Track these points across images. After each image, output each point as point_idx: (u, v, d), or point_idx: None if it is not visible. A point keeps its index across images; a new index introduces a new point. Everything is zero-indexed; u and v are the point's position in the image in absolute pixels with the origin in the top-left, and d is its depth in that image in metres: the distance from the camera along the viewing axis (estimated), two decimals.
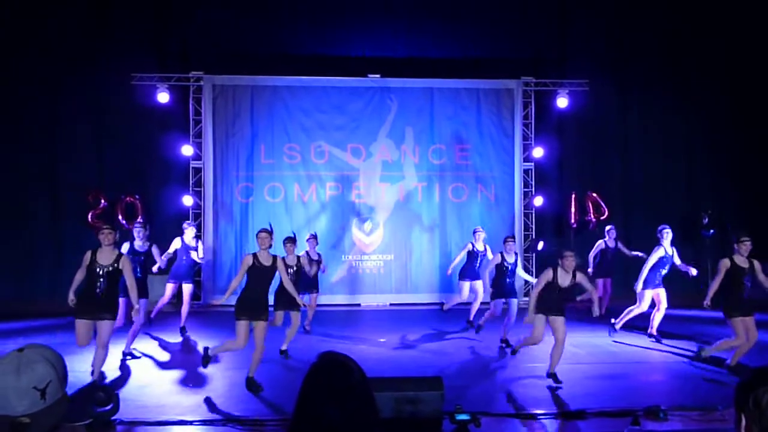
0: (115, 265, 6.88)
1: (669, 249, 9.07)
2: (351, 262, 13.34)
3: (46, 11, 13.13)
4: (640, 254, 10.51)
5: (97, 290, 6.79)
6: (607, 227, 11.47)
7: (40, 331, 9.44)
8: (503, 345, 8.88)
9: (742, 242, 7.46)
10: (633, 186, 14.36)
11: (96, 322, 6.80)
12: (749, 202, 14.37)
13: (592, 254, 11.42)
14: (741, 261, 7.44)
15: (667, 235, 9.06)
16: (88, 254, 6.91)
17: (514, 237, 9.66)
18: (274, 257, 7.12)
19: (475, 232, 10.22)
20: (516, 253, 9.26)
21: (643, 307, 9.14)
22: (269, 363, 8.01)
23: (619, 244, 11.37)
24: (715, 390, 6.66)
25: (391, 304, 13.14)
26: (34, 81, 13.19)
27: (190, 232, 9.95)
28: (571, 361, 8.19)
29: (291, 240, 8.67)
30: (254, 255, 7.00)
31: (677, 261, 9.16)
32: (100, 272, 6.81)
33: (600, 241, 11.40)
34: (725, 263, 7.47)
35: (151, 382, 7.19)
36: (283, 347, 8.35)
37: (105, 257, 6.87)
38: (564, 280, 7.01)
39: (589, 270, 11.19)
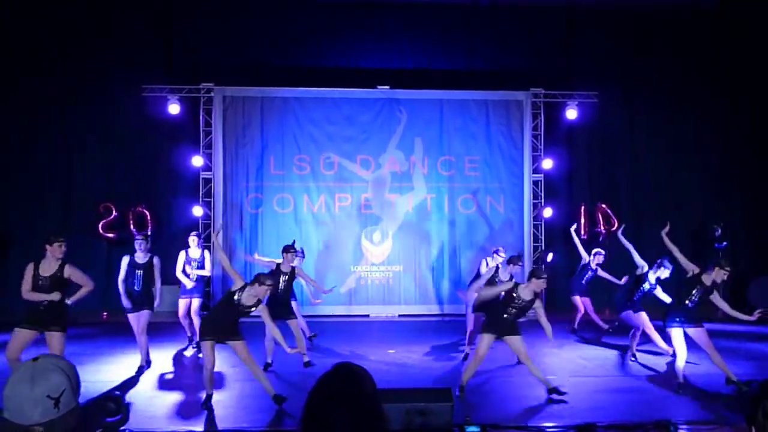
0: (58, 274, 6.62)
1: (653, 279, 8.75)
2: (360, 273, 13.34)
3: (56, 24, 13.26)
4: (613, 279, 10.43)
5: (41, 301, 6.57)
6: (594, 250, 10.93)
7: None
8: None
9: (725, 270, 7.20)
10: (643, 197, 14.30)
11: (45, 334, 6.60)
12: (762, 213, 14.31)
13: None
14: (707, 279, 7.24)
15: (664, 270, 8.66)
16: (30, 267, 6.66)
17: (498, 251, 9.28)
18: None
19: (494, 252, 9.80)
20: (512, 275, 8.75)
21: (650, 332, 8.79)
22: (281, 374, 8.02)
23: (600, 272, 10.74)
24: (725, 403, 6.61)
25: (399, 316, 13.12)
26: (46, 93, 13.30)
27: (193, 245, 9.74)
28: (580, 374, 8.15)
29: (289, 249, 8.61)
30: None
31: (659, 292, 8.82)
32: (42, 283, 6.57)
33: (587, 258, 10.85)
34: (695, 269, 7.31)
35: (161, 393, 7.20)
36: (305, 360, 8.21)
37: (48, 267, 6.63)
38: (527, 296, 6.93)
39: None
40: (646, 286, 8.75)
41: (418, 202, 13.53)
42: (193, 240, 9.74)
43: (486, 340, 6.98)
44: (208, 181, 13.25)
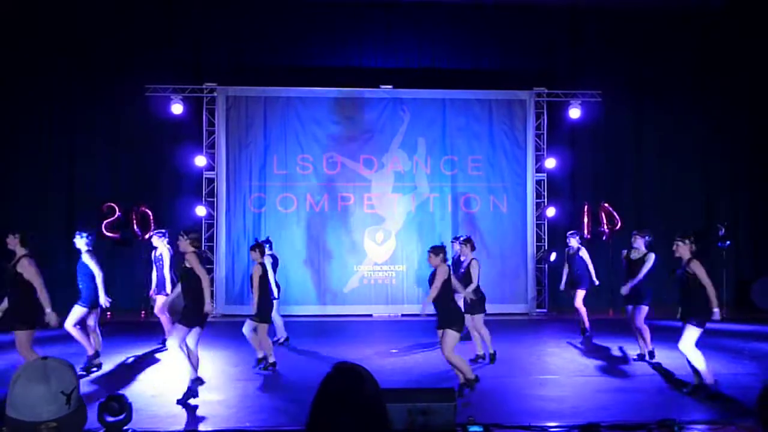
0: (13, 269, 6.71)
1: (641, 246, 8.69)
2: (363, 272, 13.33)
3: (60, 24, 13.27)
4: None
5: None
6: (569, 232, 10.91)
7: (54, 341, 9.46)
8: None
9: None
10: (647, 197, 14.26)
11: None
12: (766, 213, 14.26)
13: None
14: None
15: (636, 238, 8.75)
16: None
17: (457, 237, 9.87)
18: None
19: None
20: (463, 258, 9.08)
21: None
22: (282, 372, 8.03)
23: (581, 253, 10.53)
24: (729, 403, 6.59)
25: (403, 315, 13.10)
26: (50, 93, 13.34)
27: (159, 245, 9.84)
28: (583, 374, 8.14)
29: (253, 248, 8.58)
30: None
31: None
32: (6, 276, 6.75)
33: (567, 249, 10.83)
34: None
35: (163, 392, 7.20)
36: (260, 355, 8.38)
37: (11, 260, 6.79)
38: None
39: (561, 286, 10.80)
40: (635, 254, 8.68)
41: (421, 202, 13.51)
42: (157, 242, 9.86)
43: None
44: (211, 180, 13.26)
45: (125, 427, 5.53)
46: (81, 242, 8.25)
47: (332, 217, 13.37)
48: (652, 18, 13.95)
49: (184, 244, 7.01)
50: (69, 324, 8.03)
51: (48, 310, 6.81)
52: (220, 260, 13.02)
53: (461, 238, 9.47)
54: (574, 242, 10.64)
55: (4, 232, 7.23)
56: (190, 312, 6.85)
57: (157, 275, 9.74)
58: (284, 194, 13.34)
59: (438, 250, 7.12)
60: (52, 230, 13.12)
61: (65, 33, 13.32)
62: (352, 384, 1.82)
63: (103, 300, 8.23)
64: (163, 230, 10.18)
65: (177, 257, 9.31)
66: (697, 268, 6.90)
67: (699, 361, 6.86)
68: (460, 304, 7.68)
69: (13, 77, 13.16)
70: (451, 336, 6.83)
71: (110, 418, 5.21)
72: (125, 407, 5.61)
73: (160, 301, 9.60)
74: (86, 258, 8.25)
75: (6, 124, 13.27)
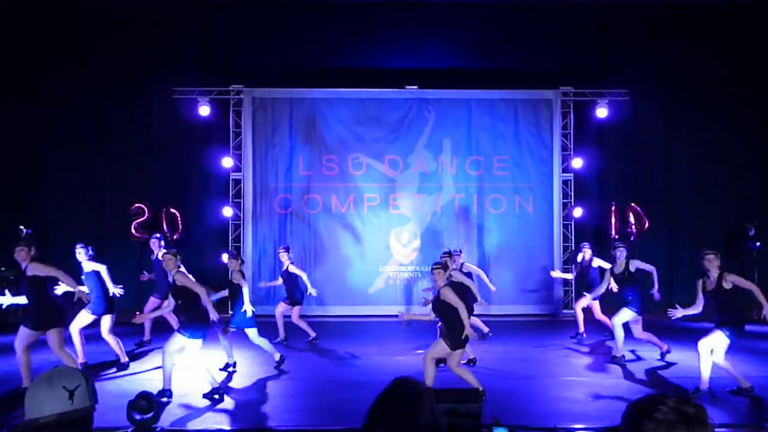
0: (25, 274, 7.03)
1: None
2: (388, 273, 13.35)
3: (89, 28, 13.48)
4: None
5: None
6: (581, 243, 10.97)
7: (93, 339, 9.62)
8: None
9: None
10: (676, 197, 14.06)
11: None
12: None
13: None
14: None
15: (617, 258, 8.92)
16: None
17: (448, 252, 9.01)
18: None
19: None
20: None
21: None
22: (308, 372, 8.07)
23: (595, 263, 10.52)
24: (761, 407, 6.47)
25: None
26: (81, 95, 13.53)
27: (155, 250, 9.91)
28: (615, 376, 8.06)
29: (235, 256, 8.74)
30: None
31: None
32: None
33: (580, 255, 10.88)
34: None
35: (192, 391, 7.28)
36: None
37: None
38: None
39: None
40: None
41: (447, 202, 13.49)
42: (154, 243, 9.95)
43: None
44: (237, 181, 13.39)
45: (154, 425, 5.62)
46: (82, 255, 8.19)
47: (358, 218, 13.41)
48: (681, 16, 13.75)
49: (169, 263, 7.01)
50: (74, 328, 8.08)
51: (76, 289, 7.22)
52: (247, 260, 13.10)
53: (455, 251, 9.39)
54: (588, 253, 10.66)
55: (38, 233, 7.46)
56: (196, 325, 6.90)
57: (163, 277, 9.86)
58: (310, 195, 13.41)
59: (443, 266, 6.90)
60: (83, 232, 13.31)
61: (97, 36, 13.51)
62: (410, 403, 1.78)
63: (114, 290, 8.25)
64: (159, 235, 10.27)
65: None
66: (736, 280, 6.87)
67: (707, 364, 6.88)
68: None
69: (44, 78, 13.38)
70: (440, 346, 6.69)
71: (139, 416, 5.29)
72: (154, 406, 5.70)
73: (151, 303, 9.76)
74: (89, 265, 8.19)
75: (37, 127, 13.50)
